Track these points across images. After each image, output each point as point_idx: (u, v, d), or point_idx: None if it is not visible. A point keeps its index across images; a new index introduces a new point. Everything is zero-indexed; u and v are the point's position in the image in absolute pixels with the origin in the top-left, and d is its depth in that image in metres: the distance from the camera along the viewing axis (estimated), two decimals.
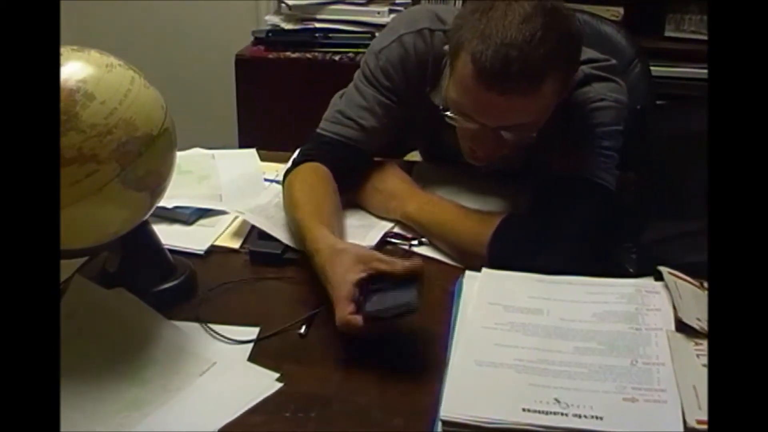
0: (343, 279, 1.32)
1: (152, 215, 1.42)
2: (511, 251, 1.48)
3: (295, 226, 1.58)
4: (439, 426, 1.10)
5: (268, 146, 2.11)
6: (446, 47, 1.55)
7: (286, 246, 1.59)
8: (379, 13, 3.09)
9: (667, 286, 1.36)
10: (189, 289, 1.47)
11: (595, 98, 1.59)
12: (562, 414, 1.10)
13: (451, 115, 1.51)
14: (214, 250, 1.64)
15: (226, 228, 1.71)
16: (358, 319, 1.28)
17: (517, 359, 1.21)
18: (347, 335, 1.31)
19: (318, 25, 3.14)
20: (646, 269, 1.43)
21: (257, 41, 3.22)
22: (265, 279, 1.53)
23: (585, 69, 1.57)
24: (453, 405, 1.12)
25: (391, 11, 3.09)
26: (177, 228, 1.70)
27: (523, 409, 1.10)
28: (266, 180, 1.92)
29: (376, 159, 1.81)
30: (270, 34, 3.17)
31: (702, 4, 3.08)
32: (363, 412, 1.19)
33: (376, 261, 1.34)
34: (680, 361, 1.19)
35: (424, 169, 1.90)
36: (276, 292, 1.51)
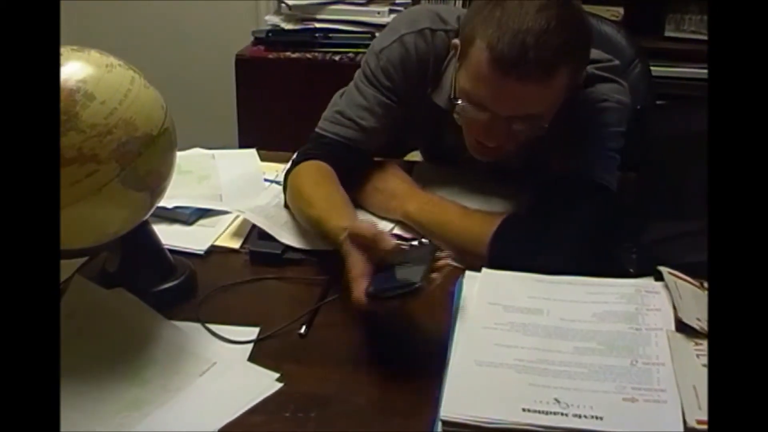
0: (358, 258, 1.33)
1: (152, 215, 1.42)
2: (512, 251, 1.48)
3: (310, 222, 1.58)
4: (439, 426, 1.10)
5: (268, 146, 2.11)
6: (455, 41, 1.56)
7: (286, 246, 1.59)
8: (379, 13, 3.09)
9: (667, 286, 1.36)
10: (189, 289, 1.47)
11: (599, 99, 1.59)
12: (562, 414, 1.09)
13: (461, 104, 1.51)
14: (214, 250, 1.64)
15: (226, 228, 1.71)
16: (363, 298, 1.28)
17: (517, 359, 1.21)
18: (362, 313, 1.32)
19: (318, 25, 3.14)
20: (646, 269, 1.42)
21: (257, 41, 3.22)
22: (265, 279, 1.53)
23: (589, 69, 1.57)
24: (453, 405, 1.12)
25: (391, 11, 3.09)
26: (177, 228, 1.70)
27: (523, 409, 1.10)
28: (266, 180, 1.92)
29: (376, 159, 1.81)
30: (270, 34, 3.17)
31: (702, 4, 3.08)
32: (363, 412, 1.19)
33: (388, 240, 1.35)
34: (680, 361, 1.19)
35: (425, 169, 1.90)
36: (276, 293, 1.51)
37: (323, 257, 1.57)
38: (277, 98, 3.11)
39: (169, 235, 1.58)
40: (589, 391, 1.14)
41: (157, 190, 1.34)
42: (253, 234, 1.67)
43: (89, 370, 1.24)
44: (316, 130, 1.74)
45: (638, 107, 1.66)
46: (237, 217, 1.72)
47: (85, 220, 1.26)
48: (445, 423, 1.10)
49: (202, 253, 1.62)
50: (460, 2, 3.20)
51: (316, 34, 3.13)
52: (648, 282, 1.39)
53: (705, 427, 1.05)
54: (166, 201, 1.52)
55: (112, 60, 1.29)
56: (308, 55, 3.11)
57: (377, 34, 1.83)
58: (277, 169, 1.88)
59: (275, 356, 1.30)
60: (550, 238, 1.48)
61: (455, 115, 1.63)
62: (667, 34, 3.14)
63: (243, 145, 2.89)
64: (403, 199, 1.69)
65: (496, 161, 1.63)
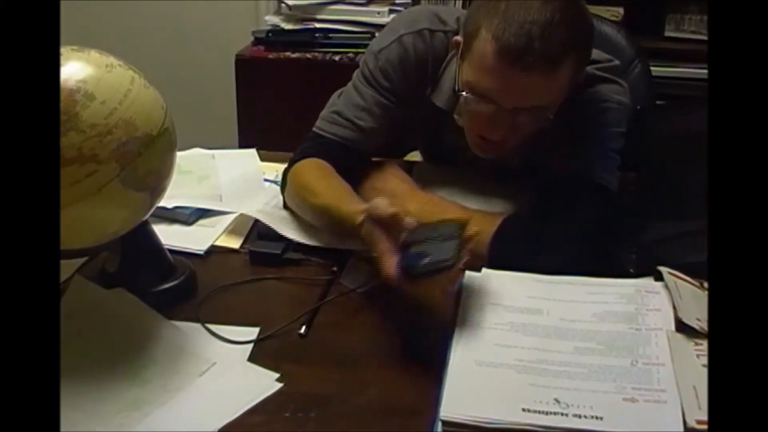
0: (381, 235, 1.33)
1: (152, 215, 1.42)
2: (512, 251, 1.48)
3: (317, 211, 1.59)
4: (439, 426, 1.10)
5: (268, 146, 2.11)
6: (456, 37, 1.57)
7: (286, 246, 1.59)
8: (379, 13, 3.09)
9: (667, 286, 1.36)
10: (189, 290, 1.47)
11: (599, 100, 1.59)
12: (562, 414, 1.10)
13: (466, 96, 1.51)
14: (213, 251, 1.64)
15: (226, 228, 1.71)
16: (393, 274, 1.29)
17: (517, 359, 1.21)
18: (391, 288, 1.32)
19: (318, 25, 3.14)
20: (646, 269, 1.43)
21: (257, 41, 3.22)
22: (264, 279, 1.53)
23: (589, 70, 1.57)
24: (453, 405, 1.12)
25: (391, 11, 3.09)
26: (177, 228, 1.70)
27: (523, 409, 1.10)
28: (266, 180, 1.92)
29: (376, 159, 1.81)
30: (270, 34, 3.17)
31: (702, 4, 3.08)
32: (363, 412, 1.19)
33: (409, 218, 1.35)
34: (680, 362, 1.19)
35: (425, 170, 1.90)
36: (276, 293, 1.51)
37: (324, 255, 1.57)
38: (277, 98, 3.11)
39: (169, 235, 1.58)
40: (589, 391, 1.14)
41: (157, 190, 1.34)
42: (253, 234, 1.67)
43: (89, 370, 1.24)
44: (314, 129, 1.74)
45: (638, 107, 1.66)
46: (237, 217, 1.72)
47: (85, 220, 1.26)
48: (445, 423, 1.10)
49: (201, 253, 1.62)
50: (460, 3, 3.20)
51: (316, 35, 3.13)
52: (648, 282, 1.39)
53: (705, 427, 1.05)
54: (166, 201, 1.52)
55: (112, 60, 1.29)
56: (308, 56, 3.11)
57: (377, 35, 1.83)
58: (277, 170, 1.88)
59: (275, 356, 1.30)
60: (550, 238, 1.48)
61: (455, 116, 1.64)
62: (667, 34, 3.14)
63: (243, 145, 2.89)
64: (403, 199, 1.69)
65: (496, 161, 1.63)
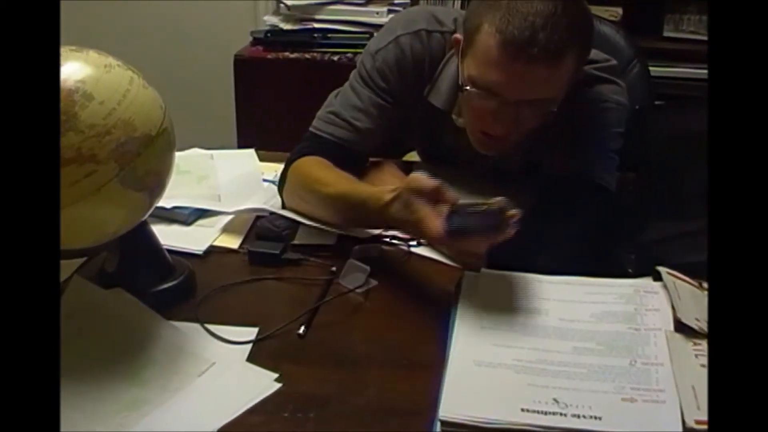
0: (422, 202, 1.35)
1: (151, 215, 1.42)
2: (511, 251, 1.48)
3: (335, 199, 1.59)
4: (438, 426, 1.10)
5: (267, 146, 2.11)
6: (455, 35, 1.57)
7: (285, 246, 1.59)
8: (377, 13, 3.10)
9: (665, 287, 1.36)
10: (188, 290, 1.47)
11: (598, 100, 1.60)
12: (560, 414, 1.10)
13: (469, 91, 1.51)
14: (212, 251, 1.63)
15: (225, 228, 1.70)
16: (441, 232, 1.31)
17: (515, 359, 1.22)
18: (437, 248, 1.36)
19: (317, 25, 3.14)
20: (645, 269, 1.43)
21: (256, 41, 3.22)
22: (263, 279, 1.53)
23: (587, 70, 1.57)
24: (452, 405, 1.12)
25: (389, 11, 3.09)
26: (176, 228, 1.70)
27: (522, 410, 1.11)
28: (265, 180, 1.92)
29: (374, 159, 1.81)
30: (269, 35, 3.17)
31: (700, 4, 3.08)
32: (361, 413, 1.19)
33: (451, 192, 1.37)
34: (679, 362, 1.19)
35: (423, 170, 1.89)
36: (275, 293, 1.51)
37: (322, 255, 1.57)
38: (275, 98, 3.12)
39: (168, 236, 1.58)
40: (587, 391, 1.14)
41: (156, 191, 1.34)
42: (252, 234, 1.67)
43: (88, 371, 1.24)
44: (311, 129, 1.75)
45: (637, 107, 1.66)
46: (235, 217, 1.72)
47: (84, 220, 1.25)
48: (444, 423, 1.10)
49: (200, 253, 1.61)
50: (458, 4, 3.20)
51: (315, 35, 3.13)
52: (647, 282, 1.40)
53: (704, 427, 1.06)
54: (165, 201, 1.52)
55: (110, 60, 1.29)
56: (307, 56, 3.12)
57: (375, 35, 1.83)
58: (275, 170, 1.87)
59: (274, 356, 1.30)
60: (549, 238, 1.48)
61: (454, 116, 1.64)
62: (666, 34, 3.15)
63: (241, 145, 2.89)
64: None
65: (495, 162, 1.63)
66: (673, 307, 1.31)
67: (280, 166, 1.76)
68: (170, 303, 1.41)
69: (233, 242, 1.66)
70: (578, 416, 1.09)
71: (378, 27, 2.99)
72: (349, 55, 3.07)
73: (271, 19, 3.22)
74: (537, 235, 1.49)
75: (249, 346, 1.33)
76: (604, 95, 1.61)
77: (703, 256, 0.99)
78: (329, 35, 3.13)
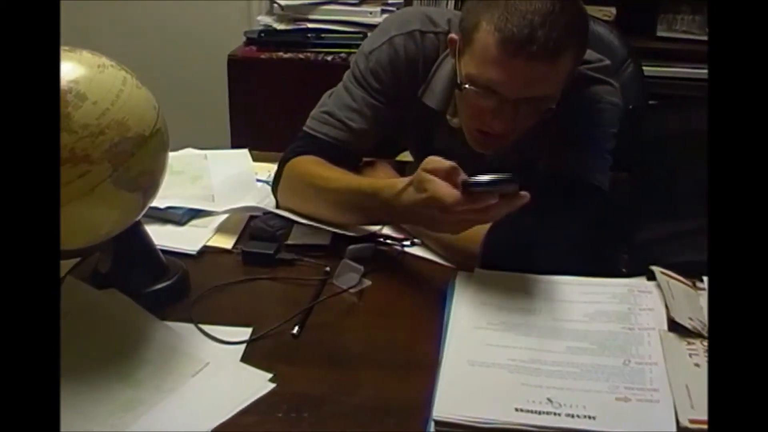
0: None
1: (145, 216, 1.41)
2: (505, 251, 1.48)
3: (342, 193, 1.59)
4: (432, 426, 1.10)
5: (261, 146, 2.11)
6: (451, 35, 1.57)
7: (279, 246, 1.59)
8: (371, 13, 3.09)
9: (659, 286, 1.36)
10: (182, 290, 1.47)
11: (591, 101, 1.60)
12: (554, 414, 1.10)
13: (468, 89, 1.51)
14: (206, 251, 1.63)
15: (219, 228, 1.70)
16: (455, 191, 1.32)
17: (509, 359, 1.22)
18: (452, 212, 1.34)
19: (310, 25, 3.14)
20: (639, 269, 1.43)
21: (249, 41, 3.22)
22: (257, 279, 1.53)
23: (581, 70, 1.58)
24: (446, 405, 1.12)
25: (383, 11, 3.09)
26: (169, 228, 1.70)
27: (516, 409, 1.11)
28: (258, 180, 1.92)
29: (367, 159, 1.81)
30: (262, 35, 3.17)
31: (694, 5, 3.09)
32: (355, 413, 1.19)
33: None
34: (673, 361, 1.19)
35: (416, 169, 1.89)
36: (268, 293, 1.51)
37: (316, 255, 1.57)
38: (269, 98, 3.11)
39: (162, 236, 1.57)
40: (581, 390, 1.14)
41: (150, 191, 1.34)
42: (245, 234, 1.67)
43: (82, 371, 1.24)
44: (305, 128, 1.75)
45: (630, 107, 1.66)
46: (229, 217, 1.72)
47: (78, 220, 1.25)
48: (438, 423, 1.10)
49: (194, 253, 1.61)
50: (452, 4, 3.20)
51: (309, 35, 3.13)
52: (640, 282, 1.40)
53: (697, 426, 1.06)
54: (159, 201, 1.52)
55: (104, 60, 1.29)
56: (300, 56, 3.11)
57: (370, 35, 1.83)
58: (269, 170, 1.87)
59: (268, 357, 1.30)
60: (543, 238, 1.48)
61: (448, 117, 1.64)
62: (659, 34, 3.15)
63: (235, 145, 2.87)
64: None
65: (489, 162, 1.63)
66: (666, 307, 1.31)
67: (274, 166, 1.76)
68: (164, 303, 1.41)
69: (227, 242, 1.66)
70: (572, 416, 1.09)
71: (371, 27, 3.00)
72: (342, 55, 3.07)
73: (265, 19, 3.22)
74: (531, 234, 1.49)
75: (243, 347, 1.33)
76: (598, 96, 1.61)
77: (697, 255, 0.99)
78: (323, 35, 3.12)
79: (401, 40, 1.69)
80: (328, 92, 1.78)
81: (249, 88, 3.13)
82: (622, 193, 1.55)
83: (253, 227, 1.65)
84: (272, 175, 1.78)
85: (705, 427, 1.04)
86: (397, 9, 3.05)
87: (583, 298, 1.36)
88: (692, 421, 1.07)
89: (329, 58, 3.09)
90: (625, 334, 1.27)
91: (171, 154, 1.38)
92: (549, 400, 1.12)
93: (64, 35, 1.06)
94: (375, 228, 1.66)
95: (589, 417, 1.09)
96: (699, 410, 1.09)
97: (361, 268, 1.48)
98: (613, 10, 3.07)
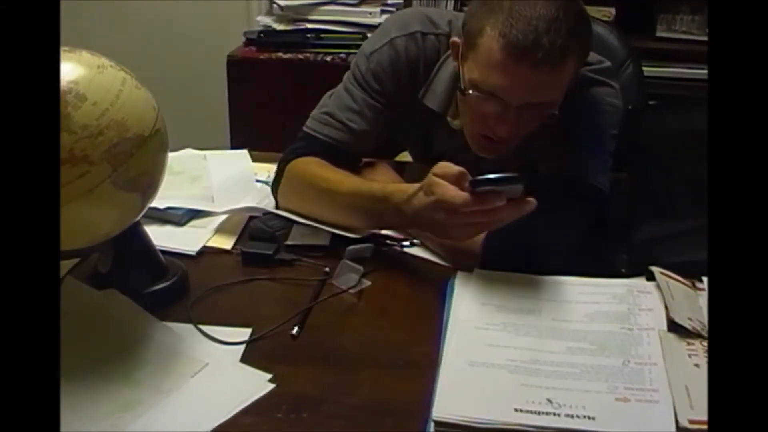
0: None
1: (144, 216, 1.41)
2: (505, 251, 1.48)
3: (351, 196, 1.59)
4: (432, 426, 1.10)
5: (260, 147, 2.11)
6: (454, 39, 1.57)
7: (278, 247, 1.59)
8: (370, 13, 3.09)
9: (658, 286, 1.36)
10: (181, 290, 1.47)
11: (592, 103, 1.60)
12: (554, 414, 1.10)
13: (471, 95, 1.51)
14: (206, 251, 1.63)
15: (218, 229, 1.70)
16: (462, 193, 1.34)
17: (509, 359, 1.22)
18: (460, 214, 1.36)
19: (309, 25, 3.14)
20: (638, 269, 1.43)
21: (249, 42, 3.22)
22: (257, 280, 1.53)
23: (582, 72, 1.57)
24: (445, 405, 1.12)
25: (382, 12, 3.09)
26: (169, 229, 1.70)
27: (516, 410, 1.11)
28: (258, 181, 1.92)
29: (367, 160, 1.81)
30: (261, 35, 3.17)
31: (693, 5, 3.08)
32: (355, 413, 1.19)
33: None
34: (672, 361, 1.19)
35: (416, 170, 1.90)
36: (268, 293, 1.51)
37: (315, 256, 1.57)
38: (268, 99, 3.11)
39: (161, 236, 1.57)
40: (581, 391, 1.14)
41: (149, 191, 1.34)
42: (245, 235, 1.67)
43: (82, 372, 1.24)
44: (305, 129, 1.75)
45: (630, 108, 1.66)
46: (228, 217, 1.72)
47: (77, 221, 1.25)
48: (437, 423, 1.10)
49: (194, 253, 1.61)
50: (452, 5, 3.20)
51: (308, 35, 3.13)
52: (640, 282, 1.40)
53: (697, 427, 1.06)
54: (158, 202, 1.52)
55: (103, 61, 1.29)
56: (300, 56, 3.12)
57: (369, 35, 1.83)
58: (268, 170, 1.87)
59: (267, 357, 1.30)
60: (543, 238, 1.48)
61: (449, 118, 1.64)
62: (659, 34, 3.15)
63: (235, 145, 2.88)
64: None
65: (490, 164, 1.62)
66: (666, 307, 1.31)
67: (273, 167, 1.76)
68: (163, 304, 1.41)
69: (226, 243, 1.66)
70: (572, 416, 1.09)
71: (371, 27, 3.01)
72: (342, 55, 3.07)
73: (264, 20, 3.22)
74: (530, 234, 1.49)
75: (242, 347, 1.33)
76: (598, 98, 1.62)
77: (696, 255, 0.99)
78: (322, 36, 3.13)
79: (402, 41, 1.69)
80: (329, 93, 1.78)
81: (248, 89, 3.13)
82: (621, 193, 1.55)
83: (253, 228, 1.65)
84: (271, 175, 1.78)
85: (704, 427, 1.05)
86: (397, 9, 3.05)
87: (582, 299, 1.36)
88: (692, 422, 1.07)
89: (328, 58, 3.09)
90: (625, 334, 1.27)
91: (170, 155, 1.38)
92: (548, 400, 1.12)
93: (64, 35, 1.06)
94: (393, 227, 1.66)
95: (589, 417, 1.09)
96: (698, 410, 1.09)
97: (361, 268, 1.48)
98: (613, 10, 3.06)
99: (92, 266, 1.48)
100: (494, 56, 1.43)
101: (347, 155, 1.72)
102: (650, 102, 2.26)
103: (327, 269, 1.52)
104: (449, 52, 1.62)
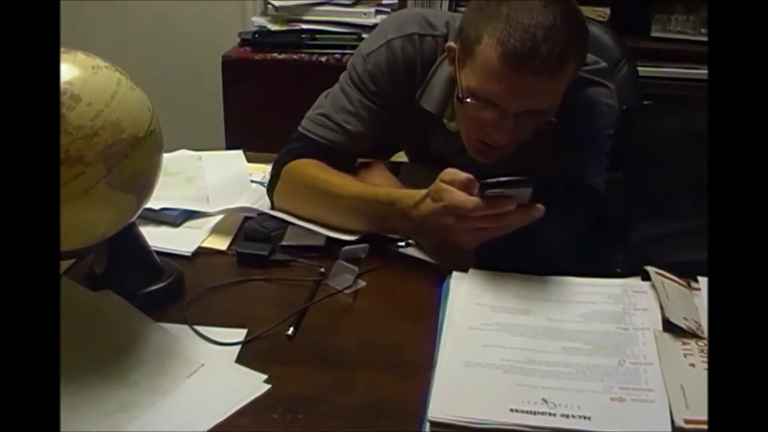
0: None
1: (139, 217, 1.41)
2: (501, 251, 1.48)
3: (355, 199, 1.59)
4: (427, 426, 1.10)
5: (255, 147, 2.10)
6: (450, 44, 1.57)
7: (273, 247, 1.59)
8: (365, 14, 3.09)
9: (654, 286, 1.36)
10: (176, 291, 1.47)
11: (588, 103, 1.60)
12: (549, 414, 1.10)
13: (469, 102, 1.51)
14: (201, 252, 1.63)
15: (214, 230, 1.70)
16: (473, 198, 1.36)
17: (504, 359, 1.22)
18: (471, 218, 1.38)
19: (304, 26, 3.14)
20: (634, 269, 1.43)
21: (244, 43, 3.22)
22: (252, 280, 1.53)
23: (578, 73, 1.57)
24: (441, 405, 1.12)
25: (377, 12, 3.09)
26: (164, 230, 1.70)
27: (511, 410, 1.11)
28: (253, 181, 1.91)
29: (362, 160, 1.80)
30: (256, 36, 3.17)
31: (688, 4, 3.09)
32: (350, 413, 1.19)
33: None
34: (667, 361, 1.20)
35: (412, 171, 1.90)
36: (263, 294, 1.51)
37: (311, 256, 1.57)
38: (263, 99, 3.11)
39: (156, 237, 1.57)
40: (576, 391, 1.15)
41: (144, 192, 1.34)
42: (240, 235, 1.67)
43: (77, 373, 1.23)
44: (300, 130, 1.74)
45: (625, 108, 1.66)
46: (223, 218, 1.72)
47: (72, 222, 1.25)
48: (433, 423, 1.10)
49: (189, 254, 1.61)
50: (446, 5, 3.20)
51: (303, 36, 3.13)
52: (635, 282, 1.40)
53: (693, 426, 1.06)
54: (153, 203, 1.52)
55: (98, 62, 1.29)
56: (295, 57, 3.12)
57: (364, 35, 1.83)
58: (263, 171, 1.87)
59: (263, 358, 1.30)
60: (539, 238, 1.48)
61: (445, 120, 1.64)
62: (654, 34, 3.15)
63: (230, 146, 2.87)
64: None
65: (485, 165, 1.63)
66: (661, 307, 1.31)
67: (269, 167, 1.76)
68: (159, 304, 1.41)
69: (222, 243, 1.66)
70: (567, 416, 1.09)
71: (366, 28, 3.01)
72: (337, 55, 3.07)
73: (259, 20, 3.22)
74: (526, 235, 1.49)
75: (238, 348, 1.33)
76: (594, 98, 1.62)
77: (692, 255, 0.99)
78: (317, 36, 3.13)
79: (399, 42, 1.69)
80: (324, 93, 1.78)
81: (243, 89, 3.13)
82: (616, 193, 1.55)
83: (248, 228, 1.65)
84: (266, 176, 1.77)
85: (700, 427, 1.05)
86: (392, 10, 3.05)
87: (578, 299, 1.37)
88: (687, 421, 1.07)
89: (323, 59, 3.09)
90: (620, 334, 1.27)
91: (165, 156, 1.38)
92: (544, 400, 1.12)
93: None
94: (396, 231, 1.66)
95: (584, 417, 1.09)
96: (694, 410, 1.09)
97: (356, 269, 1.48)
98: (607, 10, 3.07)
99: (87, 267, 1.48)
100: (492, 64, 1.43)
101: (343, 157, 1.71)
102: (645, 102, 2.26)
103: (322, 270, 1.52)
104: (446, 54, 1.62)
